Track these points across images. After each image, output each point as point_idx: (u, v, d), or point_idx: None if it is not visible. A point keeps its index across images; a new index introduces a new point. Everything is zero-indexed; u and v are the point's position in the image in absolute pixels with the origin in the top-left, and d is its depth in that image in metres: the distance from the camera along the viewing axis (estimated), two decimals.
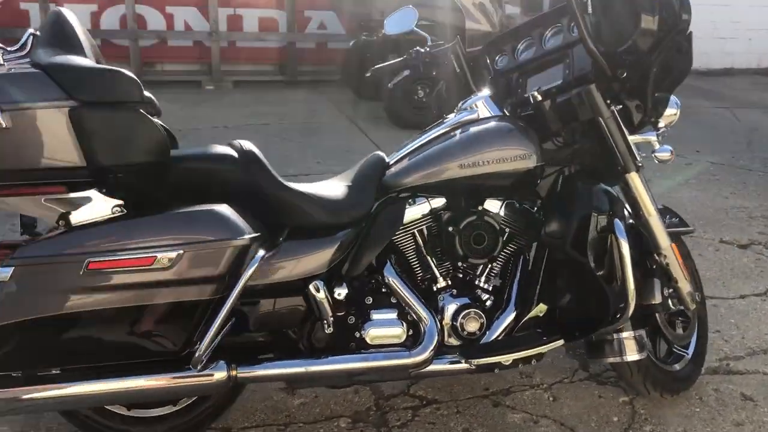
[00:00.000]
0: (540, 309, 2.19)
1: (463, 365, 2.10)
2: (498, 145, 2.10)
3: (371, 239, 2.08)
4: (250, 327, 2.01)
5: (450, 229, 2.12)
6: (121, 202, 1.91)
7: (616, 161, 2.17)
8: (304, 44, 8.32)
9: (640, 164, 2.19)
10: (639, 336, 2.22)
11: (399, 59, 2.50)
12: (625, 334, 2.21)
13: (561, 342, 2.13)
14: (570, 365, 2.64)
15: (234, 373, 1.92)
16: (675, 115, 2.25)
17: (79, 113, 1.67)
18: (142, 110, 1.75)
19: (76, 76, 1.69)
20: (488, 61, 2.45)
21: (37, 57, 1.73)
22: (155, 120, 1.78)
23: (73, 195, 1.84)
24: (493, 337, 2.14)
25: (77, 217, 1.87)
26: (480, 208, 2.13)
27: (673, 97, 2.25)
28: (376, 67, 2.50)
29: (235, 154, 1.96)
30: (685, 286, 2.36)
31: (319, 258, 2.00)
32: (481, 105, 2.25)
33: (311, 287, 1.97)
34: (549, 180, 2.28)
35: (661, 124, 2.24)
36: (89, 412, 2.02)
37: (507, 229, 2.19)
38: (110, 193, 1.89)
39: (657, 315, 2.36)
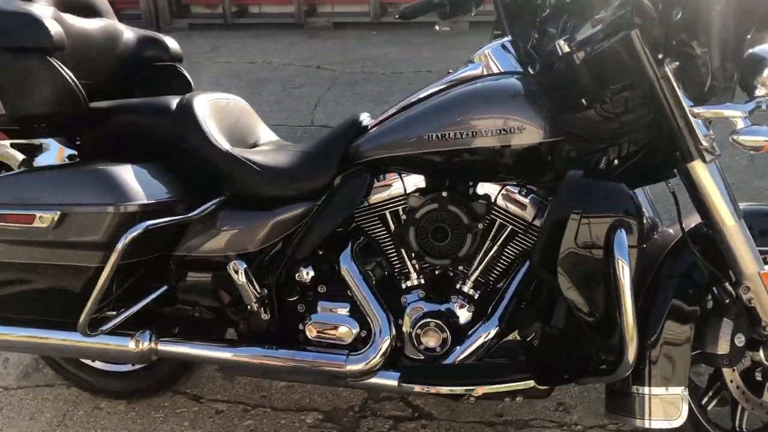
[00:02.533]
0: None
1: (417, 387, 1.69)
2: (481, 112, 1.58)
3: (320, 218, 1.74)
4: (186, 301, 1.84)
5: (404, 217, 1.68)
6: (74, 152, 1.88)
7: (672, 144, 1.51)
8: None
9: (711, 151, 1.49)
10: (674, 395, 1.55)
11: None
12: (655, 390, 1.57)
13: (530, 383, 1.58)
14: None
15: (154, 346, 1.79)
16: None
17: None
18: (49, 58, 1.63)
19: None
20: None
21: None
22: (66, 72, 1.64)
23: (25, 141, 1.86)
24: (459, 357, 1.67)
25: (36, 163, 1.89)
26: (444, 194, 1.64)
27: None
28: (404, 7, 2.05)
29: (173, 108, 1.77)
30: None
31: (249, 234, 1.74)
32: (488, 57, 1.71)
33: (230, 267, 1.72)
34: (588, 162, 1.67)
35: (761, 91, 1.47)
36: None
37: (501, 223, 1.67)
38: (71, 143, 1.87)
39: (723, 371, 1.64)
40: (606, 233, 1.43)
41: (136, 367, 2.06)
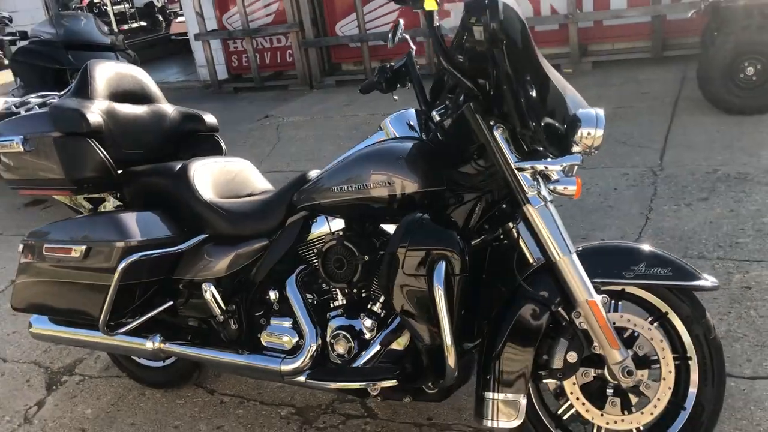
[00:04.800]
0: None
1: (330, 384, 2.14)
2: (371, 169, 2.03)
3: (271, 252, 2.27)
4: (184, 314, 2.46)
5: (315, 251, 2.15)
6: (120, 203, 2.60)
7: (509, 192, 1.88)
8: (678, 15, 7.42)
9: (542, 198, 1.83)
10: (514, 400, 1.86)
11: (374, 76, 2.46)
12: (500, 396, 1.89)
13: (393, 382, 1.97)
14: None
15: (161, 346, 2.41)
16: (591, 135, 1.76)
17: (56, 140, 2.37)
18: (88, 139, 2.35)
19: (55, 115, 2.39)
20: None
21: (59, 100, 2.51)
22: (98, 148, 2.35)
23: (89, 195, 2.60)
24: (362, 362, 2.10)
25: (101, 210, 2.63)
26: (339, 232, 2.11)
27: (594, 113, 1.78)
28: (363, 83, 2.51)
29: (174, 171, 2.41)
30: (611, 354, 1.84)
31: (221, 262, 2.31)
32: (386, 125, 2.16)
33: (203, 287, 2.30)
34: (467, 207, 2.04)
35: (577, 147, 1.79)
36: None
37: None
38: (121, 197, 2.59)
39: (565, 384, 1.90)
40: (429, 264, 1.82)
41: (167, 363, 2.72)
